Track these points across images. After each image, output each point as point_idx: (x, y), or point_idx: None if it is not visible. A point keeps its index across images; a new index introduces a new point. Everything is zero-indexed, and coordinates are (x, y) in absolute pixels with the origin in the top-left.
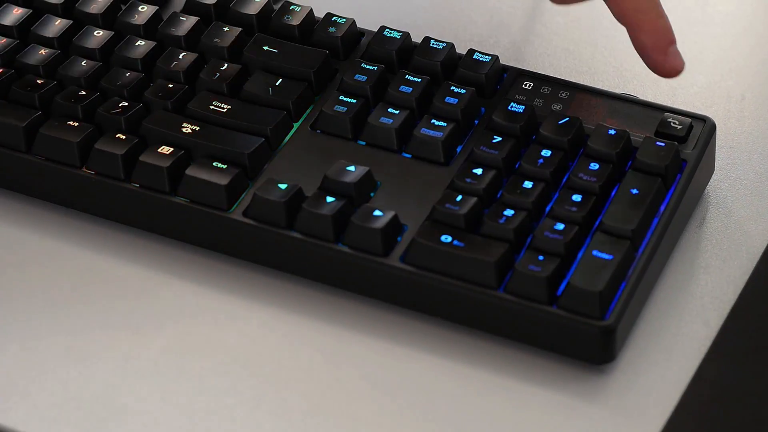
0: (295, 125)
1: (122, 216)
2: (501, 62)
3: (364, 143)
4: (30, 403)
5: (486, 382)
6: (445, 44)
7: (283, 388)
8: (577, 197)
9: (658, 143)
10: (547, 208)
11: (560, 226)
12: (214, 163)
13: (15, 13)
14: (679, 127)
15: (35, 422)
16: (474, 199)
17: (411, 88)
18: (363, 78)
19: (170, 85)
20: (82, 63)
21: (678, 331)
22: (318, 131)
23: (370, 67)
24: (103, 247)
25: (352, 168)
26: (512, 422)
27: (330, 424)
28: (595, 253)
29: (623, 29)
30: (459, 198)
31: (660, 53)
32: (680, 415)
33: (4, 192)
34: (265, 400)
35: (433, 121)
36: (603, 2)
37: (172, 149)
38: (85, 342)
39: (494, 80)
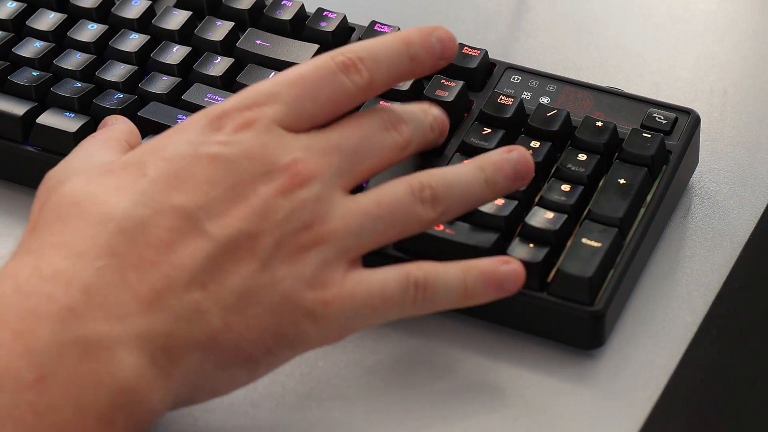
0: None
1: None
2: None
3: None
4: None
5: (478, 366)
6: None
7: (279, 372)
8: (565, 187)
9: (644, 134)
10: (537, 198)
11: (550, 215)
12: None
13: (9, 8)
14: (664, 121)
15: None
16: None
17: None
18: None
19: (164, 78)
20: (77, 56)
21: (665, 317)
22: None
23: None
24: None
25: None
26: (504, 405)
27: (324, 406)
28: (584, 240)
29: (608, 26)
30: None
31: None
32: (668, 398)
33: (2, 183)
34: (261, 383)
35: None
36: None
37: None
38: None
39: (483, 74)
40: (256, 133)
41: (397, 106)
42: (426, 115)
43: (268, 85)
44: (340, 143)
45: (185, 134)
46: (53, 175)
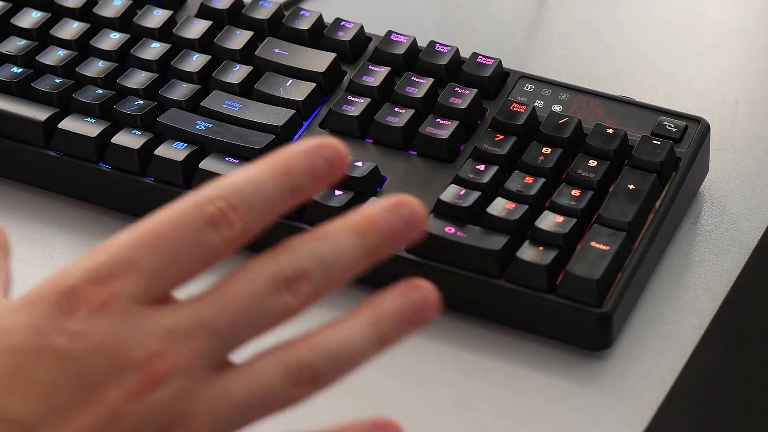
0: (305, 124)
1: (137, 209)
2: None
3: (371, 141)
4: None
5: (487, 367)
6: (449, 48)
7: None
8: (575, 192)
9: (654, 141)
10: (547, 203)
11: (559, 219)
12: (227, 158)
13: (33, 17)
14: (674, 129)
15: None
16: (477, 193)
17: (416, 89)
18: (370, 79)
19: (184, 85)
20: (99, 64)
21: (672, 320)
22: (327, 129)
23: (377, 69)
24: None
25: (359, 164)
26: (513, 405)
27: (335, 406)
28: (592, 243)
29: (622, 38)
30: (462, 192)
31: None
32: (673, 399)
33: (24, 186)
34: None
35: (437, 120)
36: (602, 11)
37: (186, 144)
38: None
39: (497, 82)
40: (110, 318)
41: (308, 241)
42: (360, 236)
43: (124, 249)
44: (212, 321)
45: (32, 315)
46: None
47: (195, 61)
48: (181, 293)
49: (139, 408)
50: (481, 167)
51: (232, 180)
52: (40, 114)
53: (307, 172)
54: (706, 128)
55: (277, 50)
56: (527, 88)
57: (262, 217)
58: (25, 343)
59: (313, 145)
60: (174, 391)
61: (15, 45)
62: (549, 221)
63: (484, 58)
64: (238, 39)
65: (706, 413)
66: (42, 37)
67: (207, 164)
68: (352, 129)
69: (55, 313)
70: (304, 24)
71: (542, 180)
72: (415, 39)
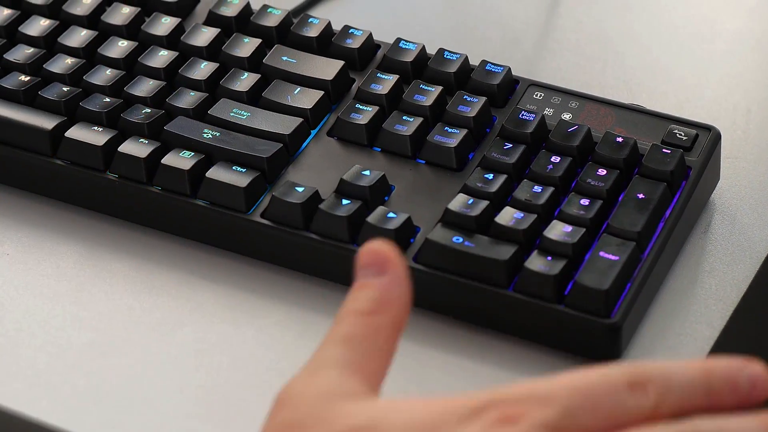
0: (313, 132)
1: (144, 218)
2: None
3: (379, 149)
4: (53, 394)
5: (496, 377)
6: (458, 55)
7: None
8: (585, 201)
9: (664, 150)
10: (556, 212)
11: (568, 228)
12: (234, 167)
13: (41, 24)
14: (684, 137)
15: (58, 412)
16: (485, 202)
17: (425, 97)
18: (378, 87)
19: (191, 93)
20: (107, 72)
21: (682, 331)
22: (335, 138)
23: (386, 77)
24: (126, 247)
25: (367, 172)
26: None
27: None
28: (601, 253)
29: (633, 44)
30: (471, 201)
31: None
32: None
33: (31, 195)
34: None
35: (446, 128)
36: (613, 18)
37: (193, 153)
38: (108, 336)
39: (506, 90)
40: (517, 431)
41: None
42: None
43: (549, 384)
44: None
45: (441, 417)
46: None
47: (203, 69)
48: None
49: None
50: (490, 176)
51: (658, 363)
52: (47, 122)
53: (726, 382)
54: (717, 136)
55: (285, 58)
56: (537, 95)
57: (674, 402)
58: None
59: (741, 362)
60: None
61: (23, 53)
62: (558, 231)
63: (493, 66)
64: (246, 47)
65: None
66: (50, 45)
67: (214, 173)
68: (360, 137)
69: (461, 418)
70: (313, 31)
71: (551, 189)
72: (424, 46)
